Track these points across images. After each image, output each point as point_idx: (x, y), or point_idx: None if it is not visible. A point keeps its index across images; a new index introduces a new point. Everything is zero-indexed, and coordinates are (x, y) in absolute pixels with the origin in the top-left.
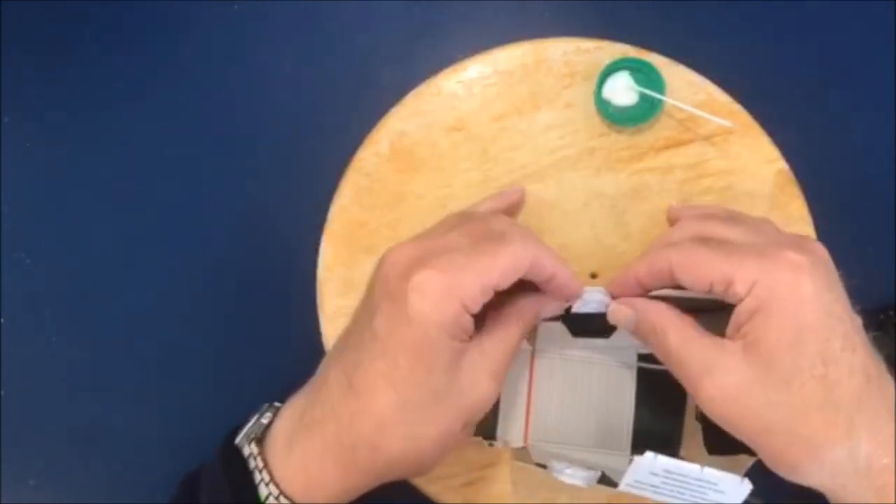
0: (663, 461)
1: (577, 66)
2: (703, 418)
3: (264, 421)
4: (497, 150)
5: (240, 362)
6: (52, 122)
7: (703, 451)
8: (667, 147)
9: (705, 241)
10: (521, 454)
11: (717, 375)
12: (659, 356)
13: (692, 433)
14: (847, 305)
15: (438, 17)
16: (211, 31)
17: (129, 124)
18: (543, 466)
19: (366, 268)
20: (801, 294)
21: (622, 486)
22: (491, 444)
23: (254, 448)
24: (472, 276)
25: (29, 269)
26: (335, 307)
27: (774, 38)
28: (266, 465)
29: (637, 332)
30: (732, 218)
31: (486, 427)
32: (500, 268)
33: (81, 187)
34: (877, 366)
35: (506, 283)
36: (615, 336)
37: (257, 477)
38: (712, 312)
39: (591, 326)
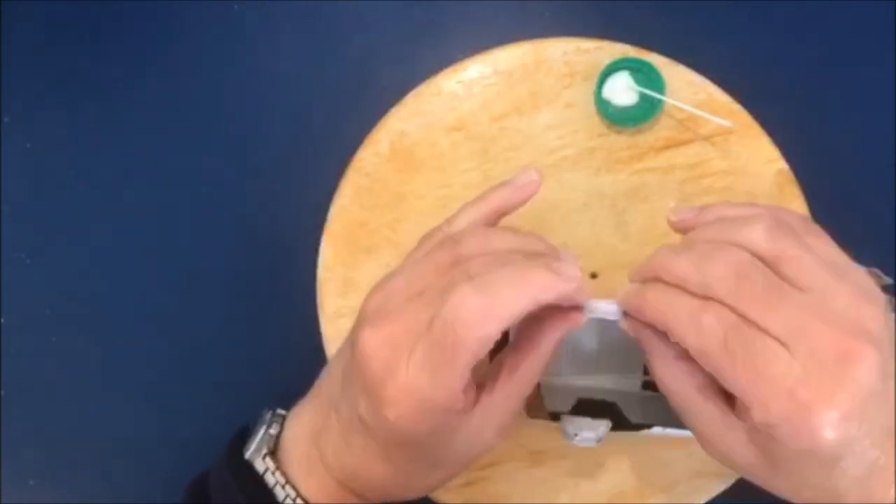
0: (671, 431)
1: (577, 66)
2: None
3: (273, 432)
4: (497, 150)
5: (240, 362)
6: (52, 122)
7: None
8: (667, 147)
9: (734, 347)
10: (534, 404)
11: (720, 449)
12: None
13: None
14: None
15: (438, 17)
16: (211, 31)
17: (129, 124)
18: (556, 419)
19: (366, 268)
20: (828, 442)
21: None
22: None
23: (269, 463)
24: (441, 394)
25: (29, 269)
26: (335, 307)
27: (774, 38)
28: (288, 481)
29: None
30: (783, 258)
31: None
32: (462, 369)
33: (81, 187)
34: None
35: (480, 358)
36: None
37: (281, 494)
38: None
39: None
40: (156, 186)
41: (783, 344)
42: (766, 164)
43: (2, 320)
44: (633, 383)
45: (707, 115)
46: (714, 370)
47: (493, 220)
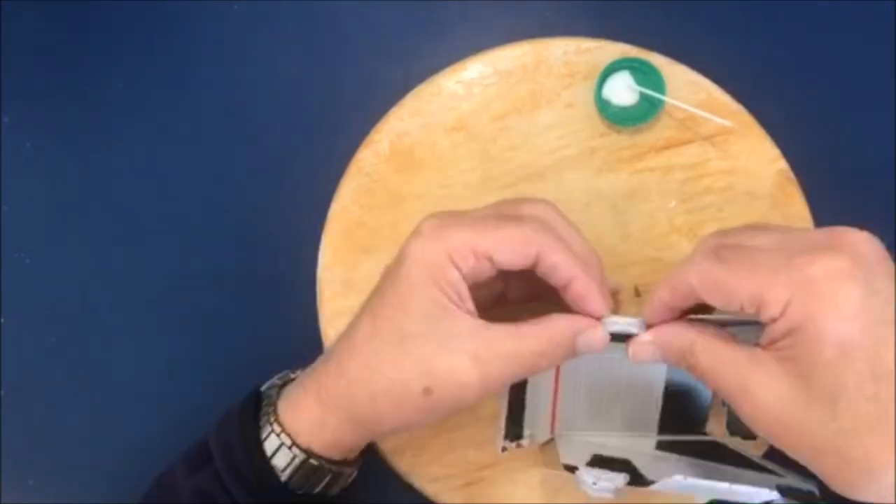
0: (692, 481)
1: (577, 66)
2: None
3: (292, 375)
4: (497, 150)
5: (240, 362)
6: (52, 122)
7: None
8: (667, 147)
9: (725, 255)
10: (550, 457)
11: (753, 392)
12: (696, 377)
13: (717, 412)
14: None
15: (438, 17)
16: (211, 31)
17: (129, 124)
18: (573, 470)
19: (366, 268)
20: (841, 308)
21: (655, 487)
22: (519, 446)
23: (273, 392)
24: (467, 234)
25: (29, 269)
26: (335, 307)
27: (774, 38)
28: (273, 408)
29: (667, 361)
30: (757, 226)
31: (513, 430)
32: (497, 239)
33: (81, 187)
34: None
35: (505, 262)
36: None
37: (262, 419)
38: (758, 324)
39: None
40: (156, 186)
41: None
42: (766, 164)
43: (2, 320)
44: (648, 443)
45: (707, 115)
46: (721, 289)
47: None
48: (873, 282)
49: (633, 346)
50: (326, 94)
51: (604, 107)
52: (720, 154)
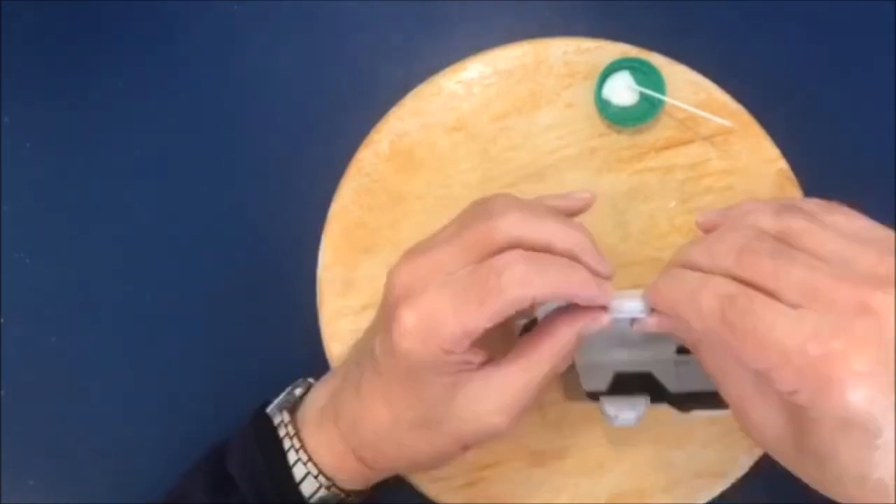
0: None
1: (577, 66)
2: None
3: (297, 392)
4: (497, 150)
5: (240, 362)
6: (52, 122)
7: None
8: (667, 147)
9: (733, 319)
10: (571, 386)
11: (750, 414)
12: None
13: None
14: None
15: (438, 17)
16: (211, 31)
17: (129, 124)
18: (595, 398)
19: (366, 268)
20: (849, 405)
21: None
22: None
23: (285, 416)
24: (453, 324)
25: (29, 269)
26: (335, 307)
27: (774, 38)
28: (297, 433)
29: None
30: (789, 233)
31: None
32: (486, 317)
33: (81, 187)
34: None
35: (498, 322)
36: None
37: (287, 444)
38: None
39: None
40: (155, 186)
41: (796, 307)
42: (766, 163)
43: (2, 320)
44: (668, 349)
45: (707, 115)
46: (725, 347)
47: None
48: (893, 363)
49: (637, 326)
50: (326, 93)
51: (604, 107)
52: (720, 154)
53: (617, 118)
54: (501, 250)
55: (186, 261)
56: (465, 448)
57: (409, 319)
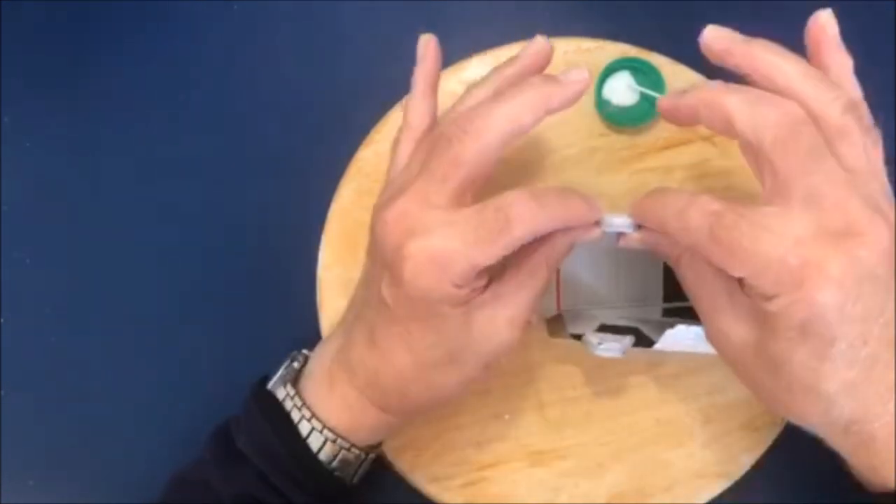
0: (695, 329)
1: (578, 66)
2: None
3: (296, 365)
4: None
5: (240, 362)
6: (52, 122)
7: None
8: (667, 147)
9: (720, 234)
10: (555, 327)
11: (718, 324)
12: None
13: None
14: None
15: (438, 17)
16: (211, 30)
17: (129, 124)
18: (578, 337)
19: None
20: (820, 308)
21: (658, 346)
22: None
23: (290, 389)
24: (464, 261)
25: (29, 269)
26: (335, 307)
27: (774, 38)
28: (305, 403)
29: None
30: (838, 133)
31: None
32: (496, 253)
33: (81, 187)
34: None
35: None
36: None
37: (297, 415)
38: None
39: None
40: (155, 186)
41: (799, 205)
42: None
43: (1, 320)
44: (654, 311)
45: None
46: (711, 260)
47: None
48: (864, 284)
49: (623, 241)
50: (326, 94)
51: (604, 107)
52: (720, 154)
53: (617, 118)
54: (473, 172)
55: (186, 261)
56: (487, 367)
57: (420, 258)
